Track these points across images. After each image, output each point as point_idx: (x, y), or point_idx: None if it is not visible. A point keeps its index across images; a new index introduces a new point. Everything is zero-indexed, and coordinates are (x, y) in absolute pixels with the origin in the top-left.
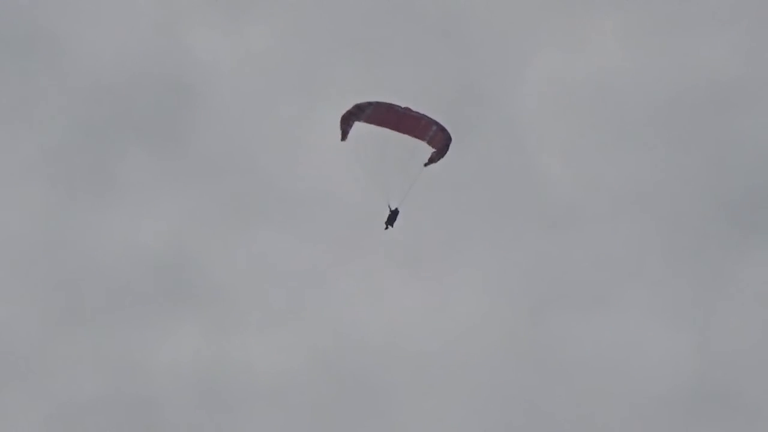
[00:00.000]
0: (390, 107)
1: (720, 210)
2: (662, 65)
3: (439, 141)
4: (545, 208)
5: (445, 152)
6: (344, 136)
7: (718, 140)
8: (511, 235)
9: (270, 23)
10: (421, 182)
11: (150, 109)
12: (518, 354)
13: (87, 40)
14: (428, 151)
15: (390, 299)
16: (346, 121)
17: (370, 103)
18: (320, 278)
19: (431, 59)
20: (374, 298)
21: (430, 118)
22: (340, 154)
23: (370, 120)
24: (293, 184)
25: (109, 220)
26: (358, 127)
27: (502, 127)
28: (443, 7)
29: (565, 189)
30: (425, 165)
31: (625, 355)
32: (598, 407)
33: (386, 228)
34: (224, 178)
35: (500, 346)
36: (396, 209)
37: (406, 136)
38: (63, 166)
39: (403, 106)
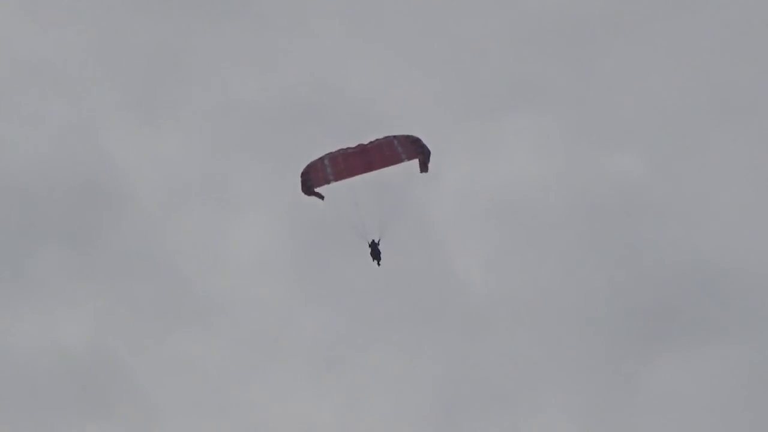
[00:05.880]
0: (345, 155)
1: (629, 315)
2: (575, 173)
3: (412, 149)
4: (461, 312)
5: (427, 152)
6: (320, 197)
7: (628, 247)
8: (428, 338)
9: (186, 127)
10: (339, 287)
11: (67, 210)
12: None
13: (3, 140)
14: (413, 164)
15: (306, 400)
16: (310, 190)
17: (322, 162)
18: (236, 379)
19: None
20: (291, 398)
21: (386, 138)
22: (255, 257)
23: (338, 177)
24: (209, 286)
25: (24, 321)
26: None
27: (420, 232)
28: (356, 114)
29: (481, 293)
30: (422, 172)
31: None
32: None
33: (378, 264)
34: (140, 279)
35: None
36: (373, 240)
37: (383, 170)
38: None
39: (354, 146)
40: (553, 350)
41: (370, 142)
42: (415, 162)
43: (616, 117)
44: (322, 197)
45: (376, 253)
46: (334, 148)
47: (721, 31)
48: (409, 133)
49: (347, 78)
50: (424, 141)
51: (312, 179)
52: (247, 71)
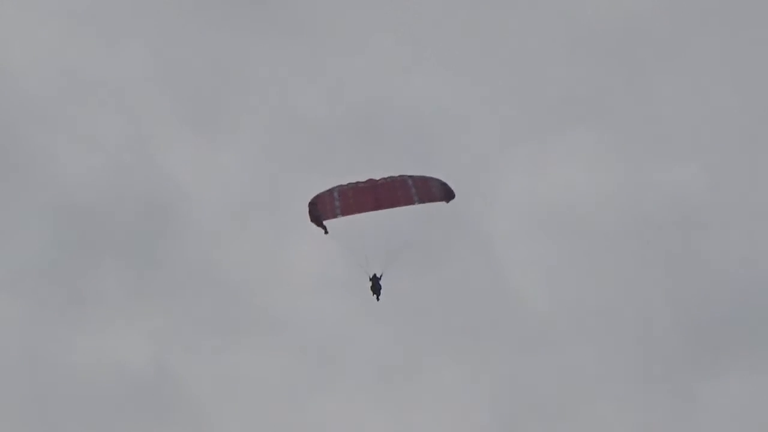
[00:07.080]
0: (355, 190)
1: (690, 330)
2: (632, 187)
3: (432, 192)
4: (519, 327)
5: (451, 195)
6: (324, 230)
7: (687, 261)
8: (487, 353)
9: (244, 143)
10: (397, 305)
11: (125, 226)
12: None
13: (61, 158)
14: (433, 204)
15: (367, 416)
16: (317, 221)
17: (331, 195)
18: (296, 395)
19: None
20: (352, 414)
21: (401, 177)
22: (314, 273)
23: (346, 212)
24: (269, 302)
25: (86, 337)
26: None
27: (477, 247)
28: (414, 129)
29: (539, 308)
30: (448, 202)
31: None
32: None
33: (377, 299)
34: (199, 295)
35: None
36: (374, 275)
37: (392, 210)
38: (39, 283)
39: (364, 181)
40: (611, 365)
41: (383, 179)
42: (429, 205)
43: (674, 130)
44: (326, 231)
45: (376, 288)
46: (388, 164)
47: None
48: (429, 173)
49: (404, 93)
50: (447, 176)
51: (319, 210)
52: (304, 86)
